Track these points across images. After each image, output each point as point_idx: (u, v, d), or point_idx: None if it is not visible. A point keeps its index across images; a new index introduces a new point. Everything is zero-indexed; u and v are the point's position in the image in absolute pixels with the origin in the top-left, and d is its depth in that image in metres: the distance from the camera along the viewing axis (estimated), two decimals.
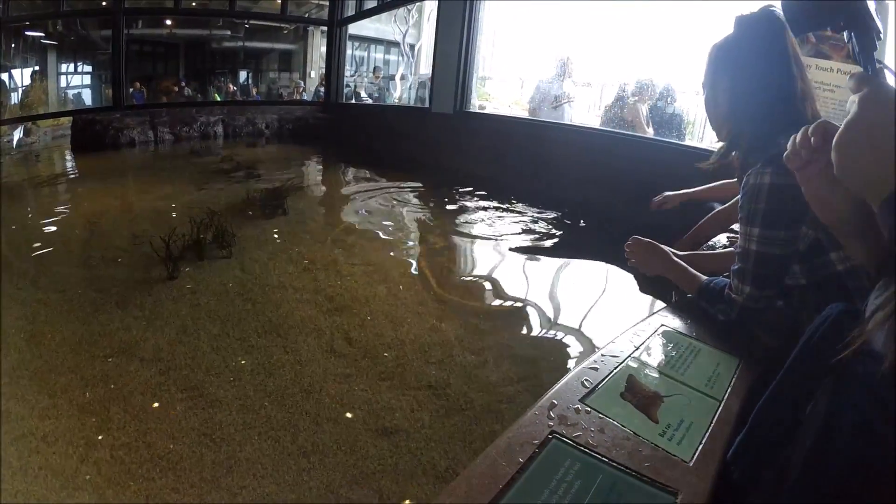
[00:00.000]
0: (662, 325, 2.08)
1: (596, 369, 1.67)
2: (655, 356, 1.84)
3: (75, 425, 2.54)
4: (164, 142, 9.67)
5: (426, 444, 2.42)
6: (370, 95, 16.00)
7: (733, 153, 2.21)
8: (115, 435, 2.50)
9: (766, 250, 1.97)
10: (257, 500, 2.17)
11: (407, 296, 3.71)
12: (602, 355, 1.78)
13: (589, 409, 1.47)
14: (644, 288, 3.71)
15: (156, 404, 2.69)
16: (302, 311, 3.50)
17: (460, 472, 1.23)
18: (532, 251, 4.69)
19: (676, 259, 2.47)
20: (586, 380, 1.60)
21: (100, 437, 2.47)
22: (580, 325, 3.33)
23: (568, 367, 2.89)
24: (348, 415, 2.62)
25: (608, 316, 3.44)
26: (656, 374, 1.73)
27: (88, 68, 15.79)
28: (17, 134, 9.47)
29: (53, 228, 5.14)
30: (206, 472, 2.32)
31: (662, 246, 2.55)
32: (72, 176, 7.57)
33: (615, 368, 1.70)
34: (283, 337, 3.21)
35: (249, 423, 2.57)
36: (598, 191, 5.66)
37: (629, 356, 1.80)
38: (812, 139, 1.09)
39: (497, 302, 3.69)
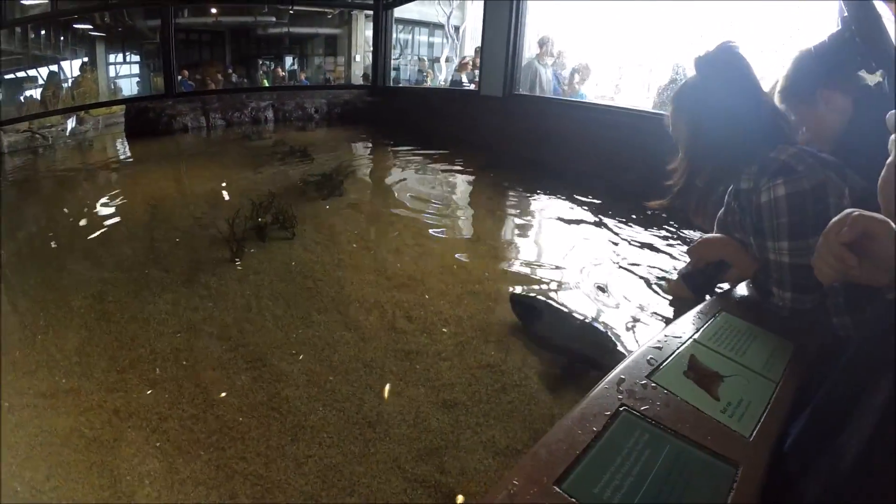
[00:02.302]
0: (722, 309, 2.11)
1: (660, 348, 1.73)
2: (715, 338, 1.89)
3: (146, 399, 2.68)
4: (216, 127, 9.86)
5: (485, 421, 2.48)
6: (414, 79, 16.01)
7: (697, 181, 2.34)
8: (185, 408, 2.62)
9: (799, 261, 2.01)
10: (324, 468, 2.25)
11: (464, 275, 3.78)
12: (665, 336, 1.84)
13: (655, 384, 1.53)
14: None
15: (224, 378, 2.81)
16: (362, 289, 3.59)
17: (532, 445, 1.29)
18: (585, 233, 4.69)
19: (735, 241, 2.50)
20: (651, 358, 1.66)
21: (170, 410, 2.60)
22: (634, 316, 3.32)
23: (625, 348, 2.91)
24: (411, 389, 2.69)
25: (662, 309, 3.42)
26: (716, 355, 1.78)
27: (136, 58, 16.17)
28: (71, 123, 9.73)
29: (115, 211, 5.35)
30: (273, 441, 2.42)
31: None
32: (128, 161, 7.78)
33: (678, 348, 1.76)
34: (344, 314, 3.31)
35: (314, 396, 2.67)
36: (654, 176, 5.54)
37: (690, 337, 1.86)
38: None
39: (552, 283, 3.70)
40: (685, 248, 4.12)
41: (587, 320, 3.12)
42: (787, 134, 2.17)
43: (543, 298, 3.28)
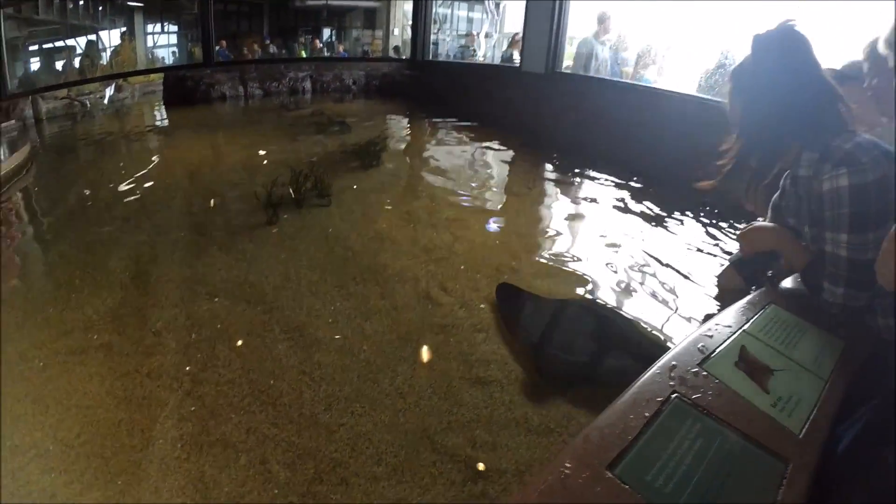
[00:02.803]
0: (771, 301, 2.07)
1: (710, 337, 1.72)
2: (765, 330, 1.85)
3: (181, 361, 2.69)
4: (253, 97, 9.87)
5: (519, 398, 2.43)
6: (454, 54, 15.84)
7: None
8: (220, 371, 2.63)
9: (856, 256, 1.93)
10: (354, 437, 2.23)
11: (501, 251, 3.71)
12: (716, 324, 1.82)
13: (706, 373, 1.52)
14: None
15: (259, 343, 2.80)
16: (399, 260, 3.56)
17: (569, 426, 1.29)
18: (623, 215, 4.58)
19: (786, 231, 2.42)
20: (702, 346, 1.65)
21: (204, 373, 2.61)
22: (673, 301, 3.24)
23: (664, 332, 2.84)
24: (444, 363, 2.65)
25: (697, 295, 3.33)
26: (766, 348, 1.75)
27: (174, 28, 16.20)
28: (109, 91, 9.80)
29: (152, 176, 5.37)
30: (306, 408, 2.41)
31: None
32: (165, 128, 7.82)
33: (728, 338, 1.74)
34: (380, 285, 3.28)
35: (348, 365, 2.65)
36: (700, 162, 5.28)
37: (741, 328, 1.83)
38: None
39: (589, 261, 3.61)
40: (734, 234, 4.01)
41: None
42: (847, 121, 2.06)
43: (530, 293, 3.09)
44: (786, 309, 2.02)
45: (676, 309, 3.08)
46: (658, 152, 5.62)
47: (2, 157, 4.99)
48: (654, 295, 3.23)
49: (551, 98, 7.18)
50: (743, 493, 1.16)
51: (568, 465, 1.12)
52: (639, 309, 3.06)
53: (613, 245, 3.89)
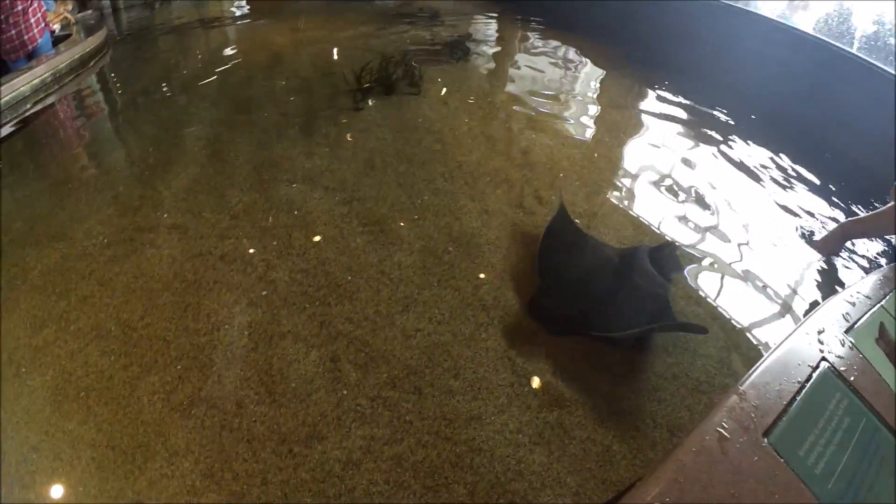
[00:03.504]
0: None
1: (853, 304, 1.67)
2: None
3: (255, 246, 2.55)
4: None
5: None
6: None
7: None
8: (295, 260, 2.49)
9: None
10: (431, 345, 2.09)
11: (602, 164, 3.37)
12: (857, 291, 1.76)
13: (851, 344, 1.47)
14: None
15: (337, 234, 2.63)
16: (491, 160, 3.28)
17: (744, 380, 1.23)
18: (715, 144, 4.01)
19: None
20: (846, 314, 1.60)
21: (279, 260, 2.47)
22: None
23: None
24: (534, 276, 2.40)
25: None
26: None
27: None
28: None
29: (235, 58, 5.15)
30: (382, 307, 2.26)
31: None
32: (248, 15, 7.61)
33: (869, 309, 1.67)
34: (470, 185, 3.02)
35: (429, 268, 2.46)
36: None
37: (878, 303, 1.74)
38: None
39: (684, 184, 3.26)
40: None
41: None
42: None
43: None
44: None
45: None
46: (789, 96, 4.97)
47: (80, 39, 4.90)
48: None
49: (662, 10, 6.54)
50: (886, 482, 1.13)
51: (725, 424, 1.06)
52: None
53: (713, 190, 3.51)
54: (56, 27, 4.65)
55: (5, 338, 2.01)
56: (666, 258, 2.55)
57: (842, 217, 3.12)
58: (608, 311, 2.17)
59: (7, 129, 3.47)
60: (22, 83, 3.79)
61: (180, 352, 1.97)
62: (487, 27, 6.91)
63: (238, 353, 1.97)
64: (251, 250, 2.49)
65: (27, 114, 3.70)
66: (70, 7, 5.24)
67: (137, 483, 1.55)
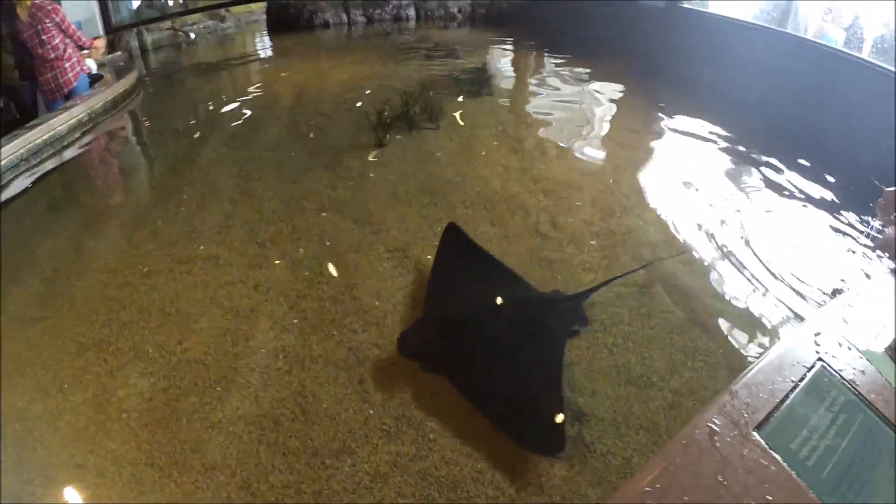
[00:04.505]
0: None
1: (852, 306, 1.64)
2: None
3: (287, 276, 2.66)
4: (356, 23, 9.73)
5: (623, 343, 2.26)
6: None
7: None
8: (324, 288, 2.58)
9: None
10: None
11: (618, 188, 3.44)
12: (856, 294, 1.73)
13: (850, 345, 1.45)
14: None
15: (365, 262, 2.73)
16: (508, 188, 3.38)
17: (737, 380, 1.25)
18: (737, 162, 4.02)
19: None
20: (844, 317, 1.57)
21: (309, 289, 2.57)
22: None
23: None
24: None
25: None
26: None
27: None
28: (212, 21, 9.78)
29: (260, 98, 5.37)
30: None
31: None
32: (270, 55, 7.86)
33: (869, 311, 1.63)
34: (489, 211, 3.12)
35: None
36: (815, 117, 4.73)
37: (881, 303, 1.70)
38: None
39: (703, 206, 3.30)
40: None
41: None
42: None
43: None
44: None
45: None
46: (788, 102, 5.02)
47: (112, 80, 5.17)
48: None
49: (669, 33, 6.64)
50: (881, 478, 1.12)
51: (716, 420, 1.10)
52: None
53: (722, 200, 3.56)
54: (91, 64, 4.92)
55: (48, 361, 2.14)
56: (572, 311, 2.38)
57: (841, 217, 3.22)
58: (477, 367, 2.07)
59: (49, 165, 3.70)
60: (59, 123, 4.02)
61: (218, 374, 2.07)
62: (503, 56, 7.08)
63: (273, 376, 2.07)
64: (283, 280, 2.61)
65: (64, 151, 3.96)
66: (102, 49, 5.49)
67: (172, 495, 1.64)
